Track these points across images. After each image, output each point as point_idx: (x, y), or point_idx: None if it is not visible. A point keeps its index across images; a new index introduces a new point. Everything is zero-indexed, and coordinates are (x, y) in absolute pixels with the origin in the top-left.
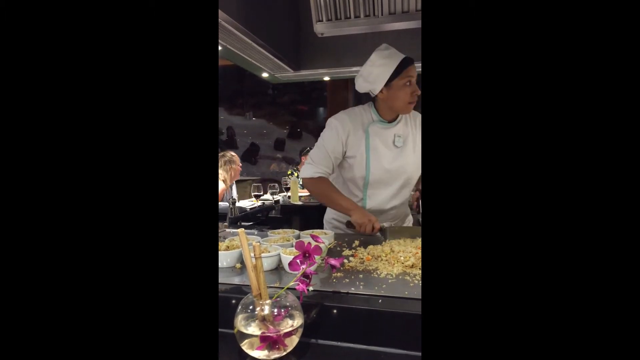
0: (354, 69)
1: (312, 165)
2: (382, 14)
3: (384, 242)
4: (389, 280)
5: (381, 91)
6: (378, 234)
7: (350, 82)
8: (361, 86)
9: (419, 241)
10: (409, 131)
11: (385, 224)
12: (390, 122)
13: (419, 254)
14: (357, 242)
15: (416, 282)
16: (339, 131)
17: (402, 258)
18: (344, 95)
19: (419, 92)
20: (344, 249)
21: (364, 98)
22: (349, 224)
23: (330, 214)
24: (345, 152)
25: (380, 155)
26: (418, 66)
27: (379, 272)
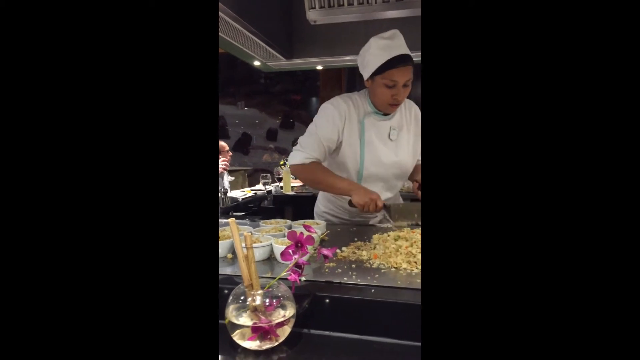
0: (347, 57)
1: (301, 151)
2: (375, 2)
3: (389, 230)
4: (382, 270)
5: (367, 81)
6: (384, 214)
7: (343, 71)
8: (359, 66)
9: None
10: (404, 122)
11: (387, 204)
12: (386, 114)
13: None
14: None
15: (409, 271)
16: (335, 118)
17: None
18: (337, 85)
19: (400, 97)
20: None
21: (356, 88)
22: (350, 204)
23: (320, 207)
24: (340, 141)
25: (375, 149)
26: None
27: (371, 262)
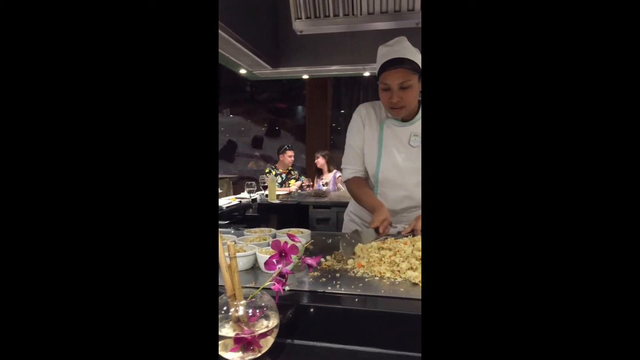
0: (333, 67)
1: (345, 169)
2: (360, 14)
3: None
4: (366, 279)
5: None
6: (403, 226)
7: (329, 80)
8: None
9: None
10: None
11: (400, 227)
12: (404, 120)
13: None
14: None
15: (392, 280)
16: (358, 123)
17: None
18: (323, 94)
19: (395, 101)
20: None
21: (342, 98)
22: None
23: (349, 207)
24: (364, 145)
25: (392, 154)
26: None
27: (355, 271)
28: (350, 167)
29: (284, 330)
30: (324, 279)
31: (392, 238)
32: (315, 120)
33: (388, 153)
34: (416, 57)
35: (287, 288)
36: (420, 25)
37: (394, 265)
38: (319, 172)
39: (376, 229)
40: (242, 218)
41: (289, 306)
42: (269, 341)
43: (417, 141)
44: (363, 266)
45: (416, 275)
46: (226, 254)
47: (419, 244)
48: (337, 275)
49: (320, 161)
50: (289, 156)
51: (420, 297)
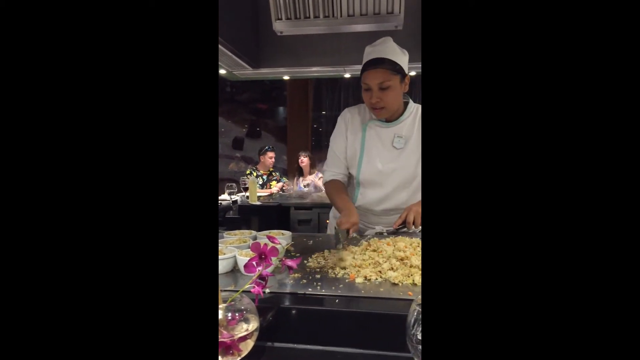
0: (314, 68)
1: (326, 171)
2: (340, 15)
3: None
4: (346, 280)
5: None
6: (382, 229)
7: (310, 82)
8: None
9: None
10: (415, 131)
11: (378, 228)
12: (387, 121)
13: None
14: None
15: (373, 280)
16: (341, 127)
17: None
18: (304, 95)
19: (374, 101)
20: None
21: (323, 99)
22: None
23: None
24: (347, 149)
25: (373, 155)
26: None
27: (336, 272)
28: (330, 170)
29: (264, 333)
30: (304, 281)
31: (376, 238)
32: (297, 121)
33: (369, 154)
34: (399, 58)
35: (267, 290)
36: (399, 28)
37: (378, 266)
38: (300, 173)
39: (347, 230)
40: (223, 220)
41: (269, 309)
42: (249, 344)
43: (401, 143)
44: (347, 267)
45: (396, 276)
46: None
47: (400, 244)
48: (318, 276)
49: (305, 161)
50: (269, 157)
51: (399, 297)
